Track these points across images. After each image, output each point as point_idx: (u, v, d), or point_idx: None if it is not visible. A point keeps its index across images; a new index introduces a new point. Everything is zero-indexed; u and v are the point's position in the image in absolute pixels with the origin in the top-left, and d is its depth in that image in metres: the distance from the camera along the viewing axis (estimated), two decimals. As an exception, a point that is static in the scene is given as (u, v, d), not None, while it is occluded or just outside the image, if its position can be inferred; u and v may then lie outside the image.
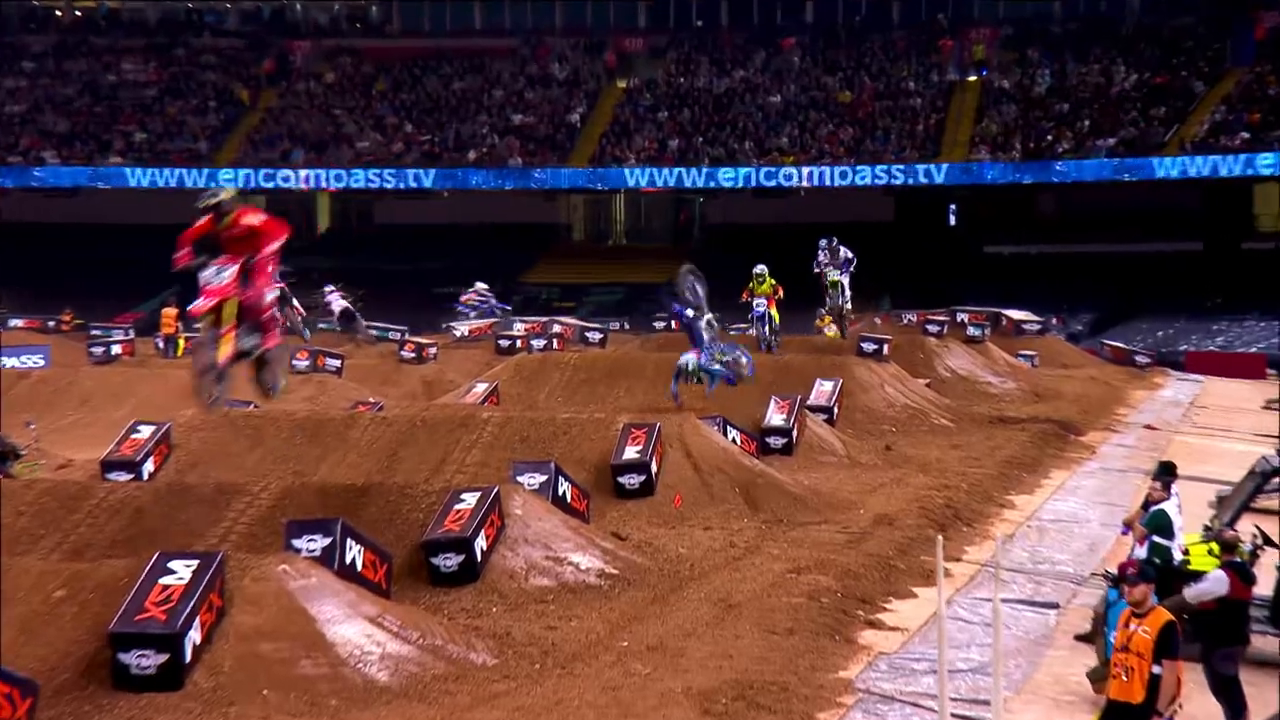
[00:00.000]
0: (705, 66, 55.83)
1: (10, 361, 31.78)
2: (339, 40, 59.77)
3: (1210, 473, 19.53)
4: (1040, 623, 13.68)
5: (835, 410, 24.63)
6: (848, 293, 30.24)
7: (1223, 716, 10.63)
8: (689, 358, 21.82)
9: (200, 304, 12.53)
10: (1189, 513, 13.91)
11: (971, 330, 35.45)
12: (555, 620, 12.78)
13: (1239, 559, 11.35)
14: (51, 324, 42.14)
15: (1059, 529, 17.89)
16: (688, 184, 50.81)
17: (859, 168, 48.82)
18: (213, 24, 61.42)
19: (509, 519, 14.20)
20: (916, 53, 54.95)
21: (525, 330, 38.67)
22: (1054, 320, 43.97)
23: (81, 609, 10.90)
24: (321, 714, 10.27)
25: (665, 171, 50.39)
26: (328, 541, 12.23)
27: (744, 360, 22.42)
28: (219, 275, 12.41)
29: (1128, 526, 13.51)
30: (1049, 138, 49.21)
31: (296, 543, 12.29)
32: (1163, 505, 12.81)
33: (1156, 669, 8.81)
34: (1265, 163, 45.24)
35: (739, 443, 20.35)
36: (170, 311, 34.96)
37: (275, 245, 12.65)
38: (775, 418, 21.98)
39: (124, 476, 17.90)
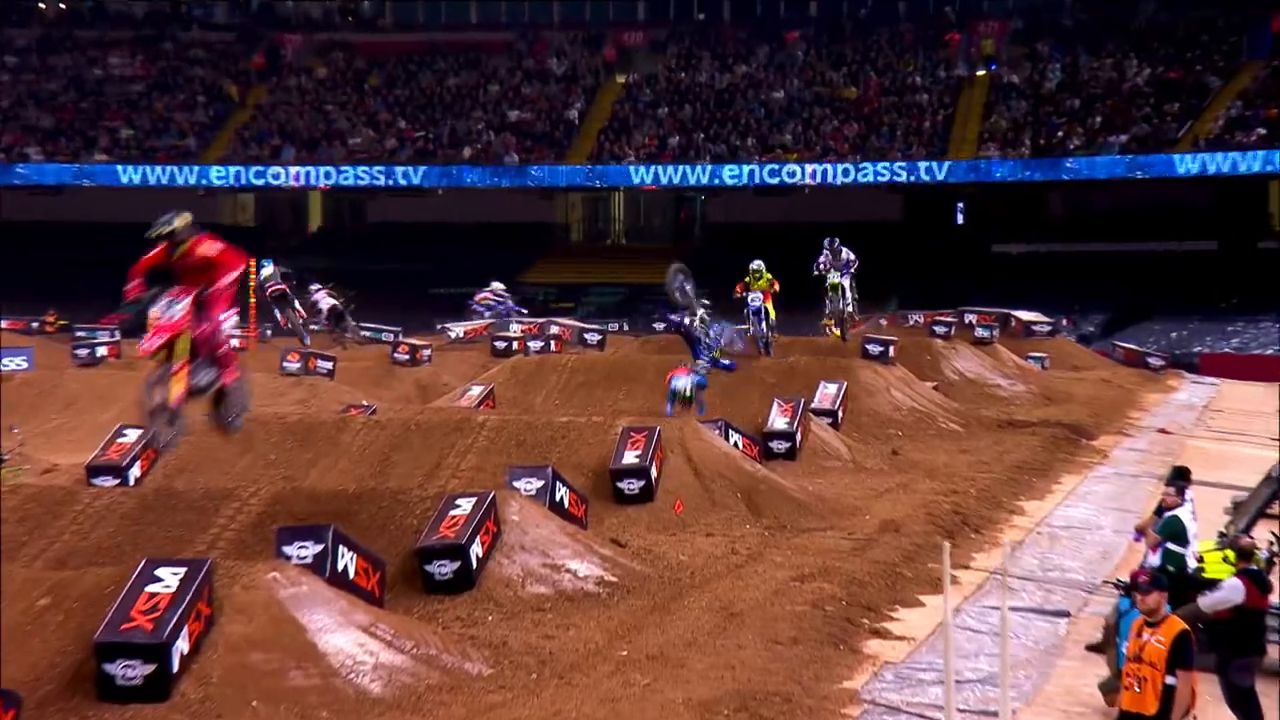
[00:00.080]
0: (707, 61, 55.64)
1: (-7, 364, 31.50)
2: (331, 34, 59.61)
3: (1225, 478, 19.35)
4: (1050, 632, 13.53)
5: (840, 414, 24.43)
6: (849, 295, 29.99)
7: (1239, 729, 10.50)
8: (682, 381, 21.86)
9: (148, 344, 12.03)
10: (1204, 519, 13.79)
11: (980, 332, 35.13)
12: (553, 629, 12.66)
13: (1255, 566, 11.24)
14: (35, 325, 41.80)
15: (1070, 536, 17.72)
16: (689, 182, 50.54)
17: (864, 165, 48.50)
18: (201, 17, 61.27)
19: (505, 525, 14.06)
20: (923, 47, 54.74)
21: (522, 332, 38.41)
22: (1065, 321, 43.78)
23: (66, 618, 10.78)
24: (312, 727, 10.12)
25: (666, 169, 50.11)
26: (319, 548, 12.07)
27: (734, 336, 22.90)
28: (170, 309, 11.95)
29: (1140, 533, 13.39)
30: (1059, 134, 48.85)
31: (287, 550, 12.13)
32: (1176, 511, 12.69)
33: (1170, 680, 8.73)
34: (1283, 160, 44.76)
35: (741, 447, 20.19)
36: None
37: (233, 276, 12.20)
38: (778, 421, 21.79)
39: (110, 482, 17.90)
